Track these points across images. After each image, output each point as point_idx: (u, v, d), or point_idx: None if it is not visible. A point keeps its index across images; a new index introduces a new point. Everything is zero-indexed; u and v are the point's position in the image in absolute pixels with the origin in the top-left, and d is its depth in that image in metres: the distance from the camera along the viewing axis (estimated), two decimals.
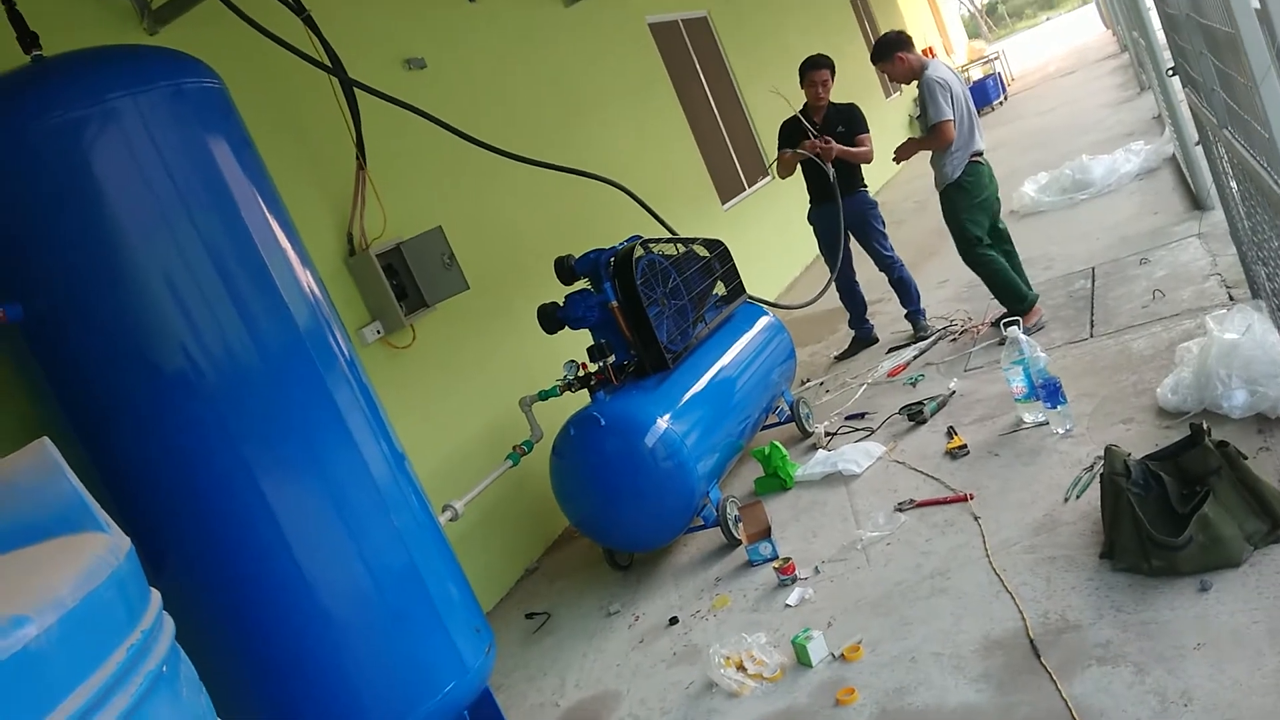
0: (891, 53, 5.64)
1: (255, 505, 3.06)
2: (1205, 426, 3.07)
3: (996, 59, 21.55)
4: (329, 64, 4.40)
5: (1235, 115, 2.73)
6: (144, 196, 2.92)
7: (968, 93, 5.62)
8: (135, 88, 2.91)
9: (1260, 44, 1.87)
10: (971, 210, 5.60)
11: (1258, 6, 1.87)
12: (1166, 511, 3.00)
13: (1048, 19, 53.24)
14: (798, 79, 6.40)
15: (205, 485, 3.05)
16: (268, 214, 3.18)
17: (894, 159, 5.93)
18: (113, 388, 2.99)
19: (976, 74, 20.15)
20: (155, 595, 1.47)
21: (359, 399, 3.29)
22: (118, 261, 2.92)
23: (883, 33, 5.78)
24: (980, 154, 5.58)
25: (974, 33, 47.52)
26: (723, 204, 9.24)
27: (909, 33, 5.75)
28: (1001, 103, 18.46)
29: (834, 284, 6.46)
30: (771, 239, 9.35)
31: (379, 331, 4.77)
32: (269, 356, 3.08)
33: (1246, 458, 2.99)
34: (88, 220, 2.88)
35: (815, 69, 6.28)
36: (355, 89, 4.52)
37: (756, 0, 11.48)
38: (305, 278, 3.26)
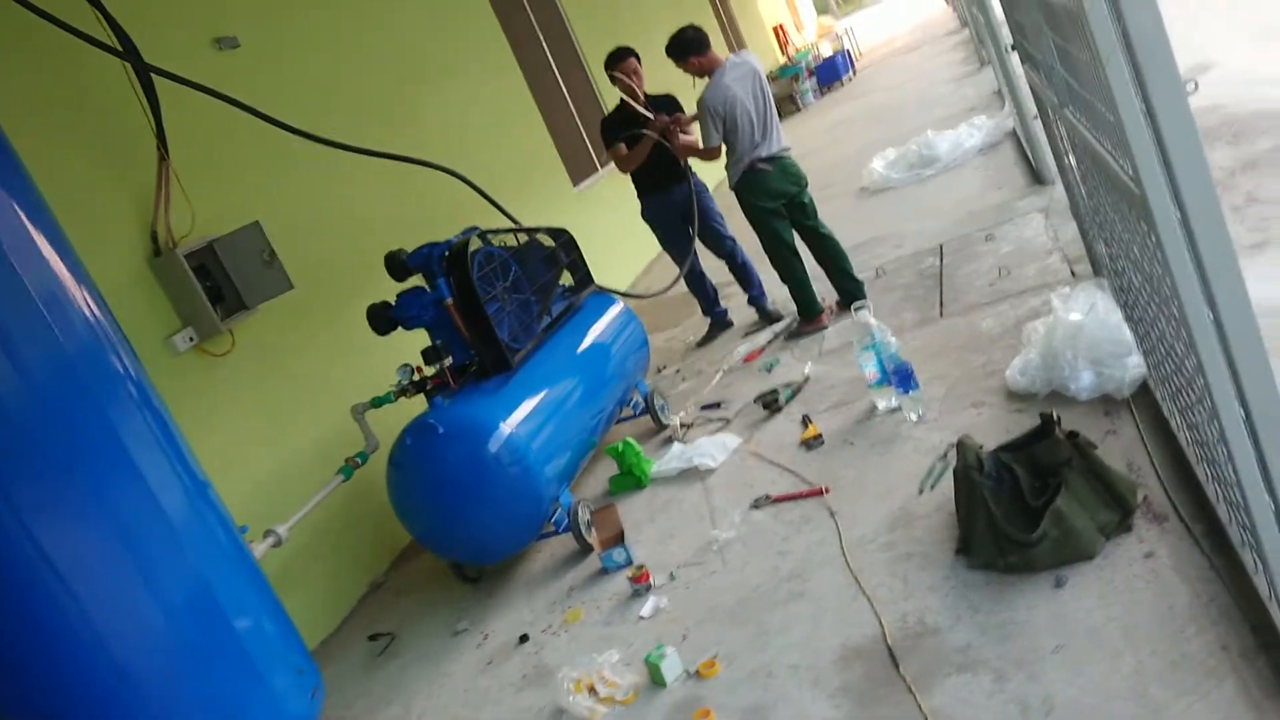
0: (685, 55, 5.58)
1: (28, 553, 2.68)
2: (1055, 416, 2.99)
3: (845, 35, 21.85)
4: (118, 47, 3.95)
5: (1076, 94, 2.63)
6: None
7: (762, 94, 5.52)
8: None
9: (1105, 21, 1.72)
10: (756, 213, 5.62)
11: None
12: (1020, 505, 2.91)
13: None
14: (610, 65, 6.13)
15: None
16: (28, 225, 2.76)
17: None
18: None
19: (826, 50, 20.40)
20: None
21: (149, 425, 2.92)
22: None
23: (681, 29, 5.61)
24: (769, 159, 5.49)
25: (823, 8, 48.40)
26: (574, 185, 8.98)
27: (706, 31, 5.61)
28: (851, 78, 18.72)
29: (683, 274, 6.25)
30: (626, 222, 9.05)
31: (192, 339, 4.34)
32: (34, 387, 2.68)
33: (1096, 447, 2.93)
34: None
35: (625, 59, 6.03)
36: (152, 74, 4.07)
37: None
38: (79, 295, 2.85)
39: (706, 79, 5.51)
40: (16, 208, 2.79)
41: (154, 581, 2.81)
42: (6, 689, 2.79)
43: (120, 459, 2.79)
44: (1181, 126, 1.69)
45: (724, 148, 5.55)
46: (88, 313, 2.88)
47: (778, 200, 5.54)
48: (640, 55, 6.15)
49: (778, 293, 6.07)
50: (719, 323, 6.47)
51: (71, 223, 3.12)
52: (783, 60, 19.85)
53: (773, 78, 17.97)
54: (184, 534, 2.89)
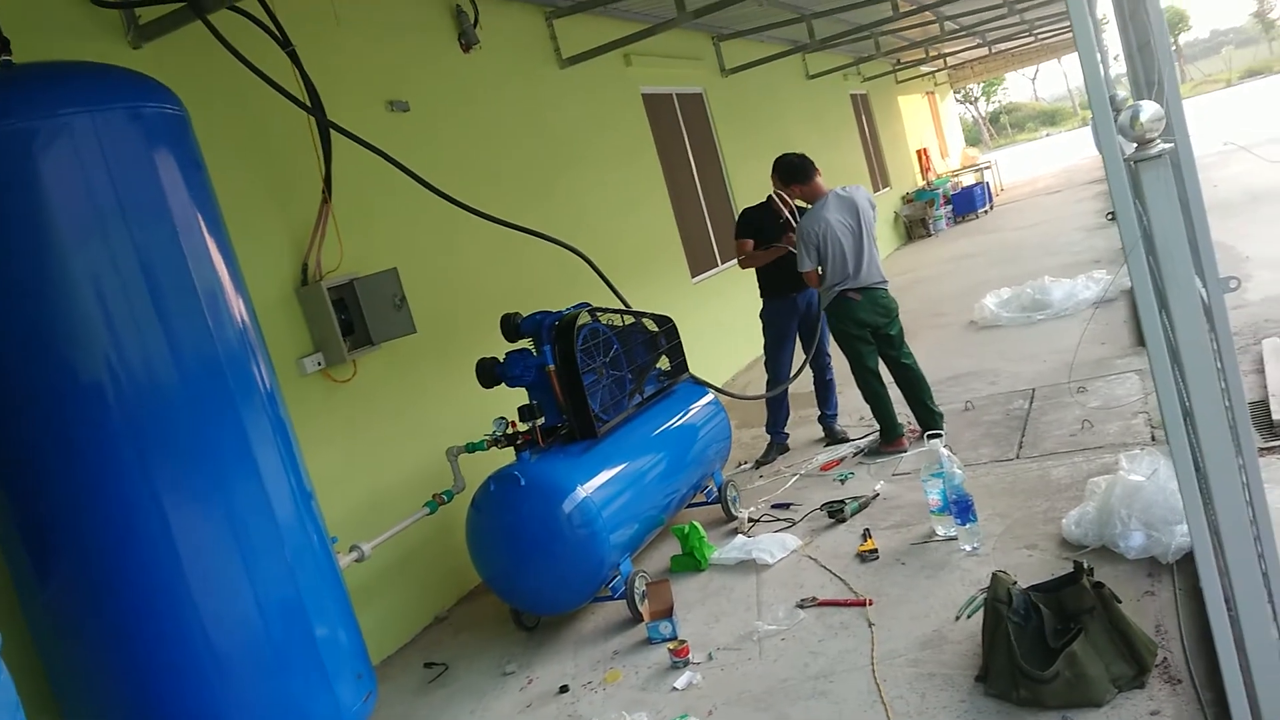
0: (789, 182, 6.01)
1: (155, 525, 3.09)
2: (1086, 565, 3.15)
3: (988, 168, 22.03)
4: (308, 102, 4.50)
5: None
6: (85, 208, 2.99)
7: (861, 229, 5.75)
8: (93, 106, 2.99)
9: (1131, 216, 1.98)
10: (841, 337, 5.90)
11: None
12: (1041, 643, 3.07)
13: (1047, 134, 54.52)
14: (771, 173, 6.50)
15: (109, 495, 3.07)
16: (207, 238, 3.25)
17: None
18: (29, 392, 3.02)
19: (968, 179, 20.61)
20: None
21: (272, 432, 3.33)
22: (51, 266, 2.96)
23: (792, 155, 6.07)
24: (859, 290, 5.73)
25: (974, 139, 48.52)
26: (693, 276, 9.37)
27: (811, 160, 6.00)
28: (986, 211, 18.86)
29: (806, 371, 6.46)
30: (736, 318, 9.44)
31: (320, 363, 4.81)
32: (188, 378, 3.12)
33: (1120, 601, 3.07)
34: (26, 224, 2.94)
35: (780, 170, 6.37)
36: (331, 129, 4.62)
37: (757, 87, 11.73)
38: (236, 305, 3.32)
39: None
40: (200, 218, 3.27)
41: (254, 573, 3.18)
42: (115, 654, 3.13)
43: (244, 456, 3.20)
44: (1190, 320, 1.92)
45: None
46: (239, 321, 3.34)
47: (864, 328, 5.80)
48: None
49: (845, 418, 6.24)
50: (779, 445, 6.60)
51: (239, 242, 3.61)
52: (921, 184, 20.12)
53: (908, 200, 18.25)
54: (286, 535, 3.27)
